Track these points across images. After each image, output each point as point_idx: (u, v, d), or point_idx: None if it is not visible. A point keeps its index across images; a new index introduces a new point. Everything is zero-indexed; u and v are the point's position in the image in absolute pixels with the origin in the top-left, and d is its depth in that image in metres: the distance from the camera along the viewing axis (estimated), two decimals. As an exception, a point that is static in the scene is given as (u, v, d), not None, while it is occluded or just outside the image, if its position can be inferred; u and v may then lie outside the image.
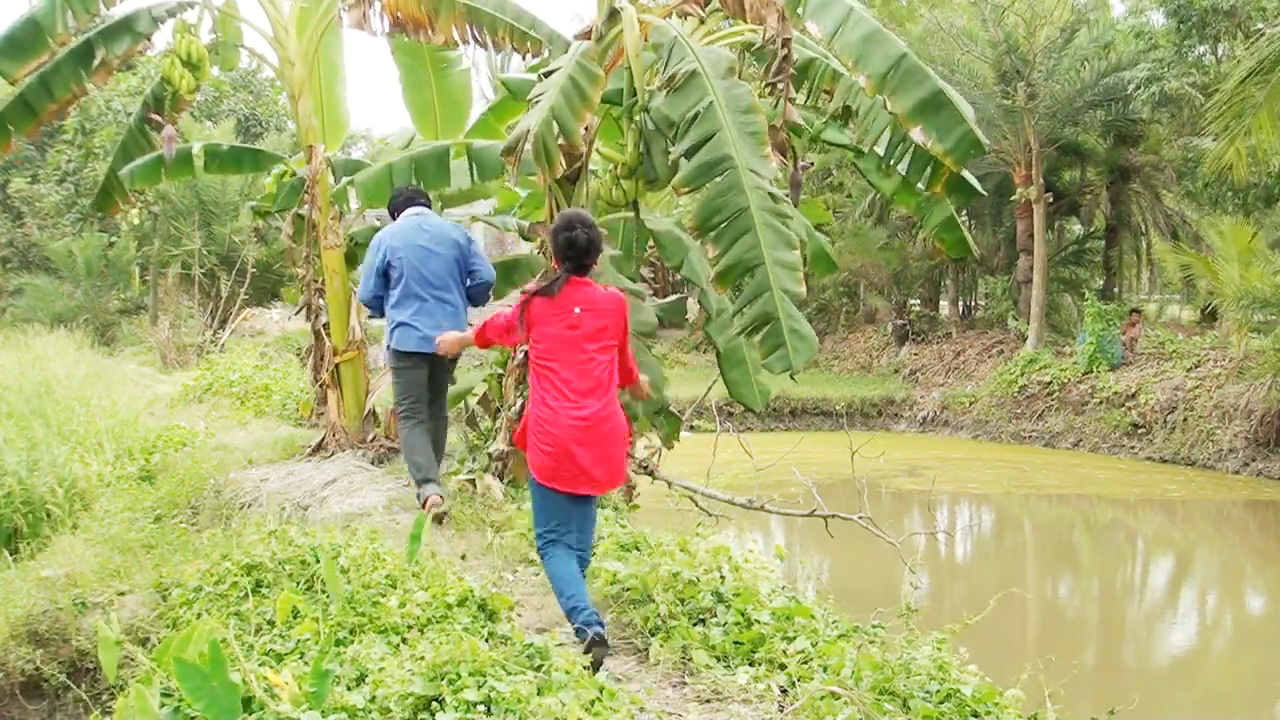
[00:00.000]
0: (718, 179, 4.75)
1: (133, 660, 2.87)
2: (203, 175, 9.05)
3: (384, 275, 5.54)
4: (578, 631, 3.50)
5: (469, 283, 5.76)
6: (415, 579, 3.80)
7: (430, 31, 6.93)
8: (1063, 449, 16.93)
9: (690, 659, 3.40)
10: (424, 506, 5.32)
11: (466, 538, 5.11)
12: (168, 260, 21.86)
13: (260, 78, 25.67)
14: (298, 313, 8.20)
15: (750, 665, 3.37)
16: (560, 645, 3.41)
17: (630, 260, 6.45)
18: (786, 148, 5.25)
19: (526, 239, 7.60)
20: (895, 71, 5.18)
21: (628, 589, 3.96)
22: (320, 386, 8.09)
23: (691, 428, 9.31)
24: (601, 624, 3.51)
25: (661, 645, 3.51)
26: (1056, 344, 19.47)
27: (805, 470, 7.83)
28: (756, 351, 4.93)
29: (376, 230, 6.40)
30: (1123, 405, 16.49)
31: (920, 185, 6.22)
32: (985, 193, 6.50)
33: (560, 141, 5.01)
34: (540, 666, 3.08)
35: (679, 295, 7.64)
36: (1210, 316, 19.22)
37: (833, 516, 6.68)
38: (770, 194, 4.74)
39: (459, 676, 2.87)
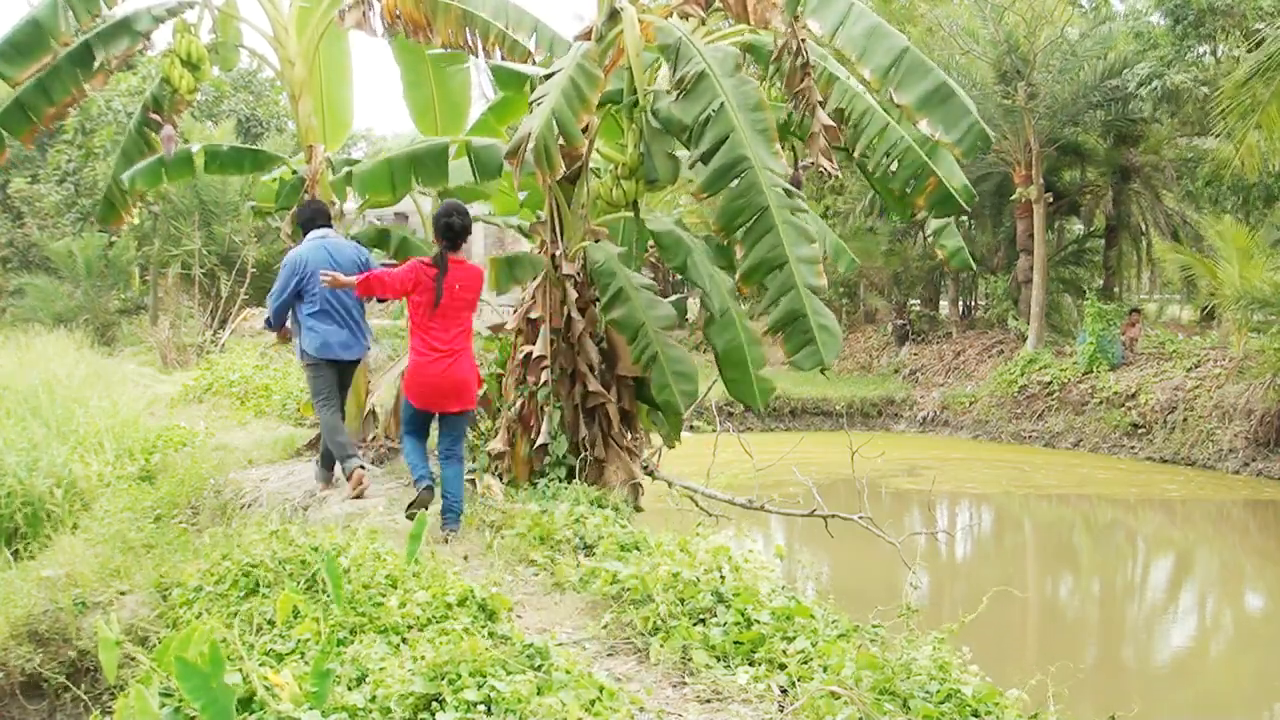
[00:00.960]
0: (736, 180, 4.77)
1: (133, 660, 2.87)
2: (203, 175, 9.04)
3: (298, 292, 6.29)
4: (416, 485, 5.25)
5: None
6: (415, 579, 3.80)
7: (428, 34, 6.93)
8: (1063, 449, 16.93)
9: (690, 659, 3.40)
10: (349, 479, 6.13)
11: (466, 538, 5.11)
12: (168, 260, 21.87)
13: (261, 78, 25.69)
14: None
15: (750, 665, 3.36)
16: (560, 645, 3.41)
17: (631, 260, 6.45)
18: (830, 152, 5.27)
19: (527, 237, 7.60)
20: (899, 65, 5.18)
21: (628, 589, 3.96)
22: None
23: (692, 428, 9.31)
24: (431, 482, 5.25)
25: (661, 645, 3.51)
26: (1056, 344, 19.47)
27: (805, 470, 7.84)
28: (782, 349, 4.96)
29: (377, 230, 7.02)
30: (1123, 405, 16.49)
31: (907, 192, 6.21)
32: (968, 209, 6.50)
33: (561, 143, 5.02)
34: (540, 666, 3.08)
35: (679, 295, 7.64)
36: (1210, 316, 19.23)
37: (833, 516, 6.69)
38: (786, 191, 4.76)
39: (459, 676, 2.87)
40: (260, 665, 3.03)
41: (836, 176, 5.25)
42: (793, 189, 4.83)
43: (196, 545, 5.19)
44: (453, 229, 5.21)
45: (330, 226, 6.67)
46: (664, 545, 4.45)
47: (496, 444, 6.24)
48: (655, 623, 3.68)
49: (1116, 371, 17.16)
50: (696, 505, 6.98)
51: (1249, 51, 11.51)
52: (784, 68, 5.23)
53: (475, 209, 8.95)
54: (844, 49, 5.30)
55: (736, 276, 4.89)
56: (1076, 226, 25.51)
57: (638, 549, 4.53)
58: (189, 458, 7.93)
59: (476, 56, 7.08)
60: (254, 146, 10.71)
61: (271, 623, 3.60)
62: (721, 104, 4.82)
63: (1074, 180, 22.06)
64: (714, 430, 8.31)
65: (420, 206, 7.99)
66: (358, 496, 6.07)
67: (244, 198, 20.29)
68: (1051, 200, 20.12)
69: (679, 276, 6.44)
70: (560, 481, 5.87)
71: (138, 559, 5.29)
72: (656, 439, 7.01)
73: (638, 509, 6.25)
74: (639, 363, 5.90)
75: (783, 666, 3.31)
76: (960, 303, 24.67)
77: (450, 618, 3.48)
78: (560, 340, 6.11)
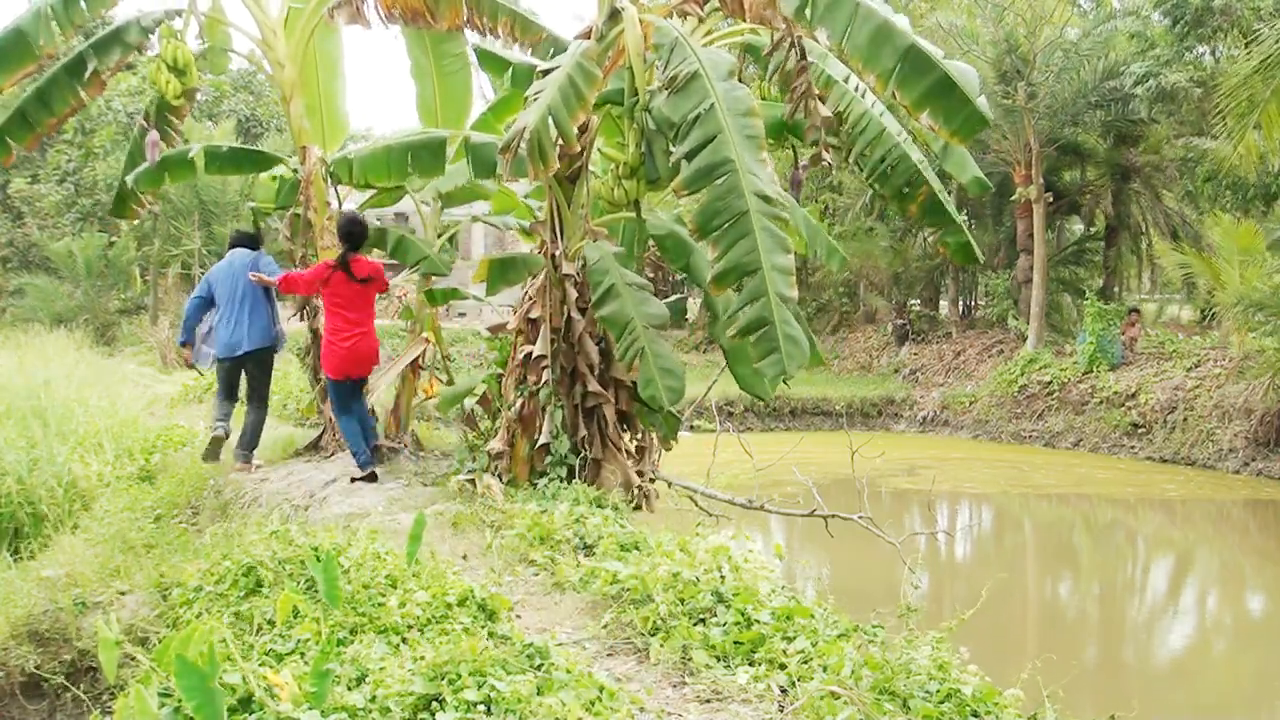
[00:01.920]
0: (718, 181, 4.75)
1: (133, 660, 2.87)
2: (203, 176, 9.05)
3: (209, 300, 7.51)
4: (358, 460, 6.68)
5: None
6: (415, 579, 3.80)
7: (431, 18, 6.91)
8: (1062, 449, 16.93)
9: (690, 659, 3.40)
10: (212, 436, 7.42)
11: (466, 538, 5.11)
12: (168, 260, 21.87)
13: (260, 78, 25.71)
14: (295, 314, 8.20)
15: (750, 665, 3.36)
16: (560, 645, 3.41)
17: (631, 260, 6.45)
18: (827, 149, 5.27)
19: (527, 237, 7.61)
20: (904, 64, 5.15)
21: (627, 589, 3.96)
22: (320, 386, 8.08)
23: (691, 428, 9.31)
24: (371, 459, 6.70)
25: (661, 645, 3.50)
26: (1056, 344, 19.47)
27: (805, 470, 7.83)
28: (752, 352, 4.95)
29: (377, 230, 7.36)
30: (1122, 405, 16.49)
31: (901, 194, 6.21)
32: (959, 220, 6.50)
33: (556, 140, 5.02)
34: (540, 666, 3.08)
35: (679, 295, 7.64)
36: (1210, 316, 19.23)
37: (833, 516, 6.68)
38: (767, 197, 4.74)
39: (459, 676, 2.87)
40: (260, 665, 3.03)
41: (836, 171, 5.25)
42: (775, 197, 4.80)
43: (196, 545, 5.20)
44: (353, 235, 6.63)
45: (251, 245, 7.75)
46: (664, 545, 4.45)
47: (496, 444, 6.23)
48: (655, 623, 3.68)
49: (1116, 371, 17.16)
50: (696, 505, 6.97)
51: (1248, 50, 11.49)
52: (781, 62, 5.22)
53: (475, 208, 8.96)
54: (851, 57, 5.26)
55: (709, 278, 4.86)
56: (1076, 226, 25.52)
57: (637, 549, 4.53)
58: (189, 458, 7.93)
59: (485, 37, 7.08)
60: (254, 147, 10.71)
61: (271, 623, 3.60)
62: (712, 105, 4.81)
63: (1074, 180, 22.06)
64: (714, 430, 8.30)
65: (420, 207, 8.00)
66: (214, 450, 7.45)
67: (244, 198, 20.30)
68: (1051, 200, 20.12)
69: (680, 277, 6.43)
70: (560, 481, 5.87)
71: (138, 559, 5.29)
72: (655, 438, 7.00)
73: (648, 509, 6.24)
74: (624, 359, 5.88)
75: (783, 666, 3.30)
76: (960, 302, 24.67)
77: (450, 618, 3.48)
78: (560, 340, 6.10)
